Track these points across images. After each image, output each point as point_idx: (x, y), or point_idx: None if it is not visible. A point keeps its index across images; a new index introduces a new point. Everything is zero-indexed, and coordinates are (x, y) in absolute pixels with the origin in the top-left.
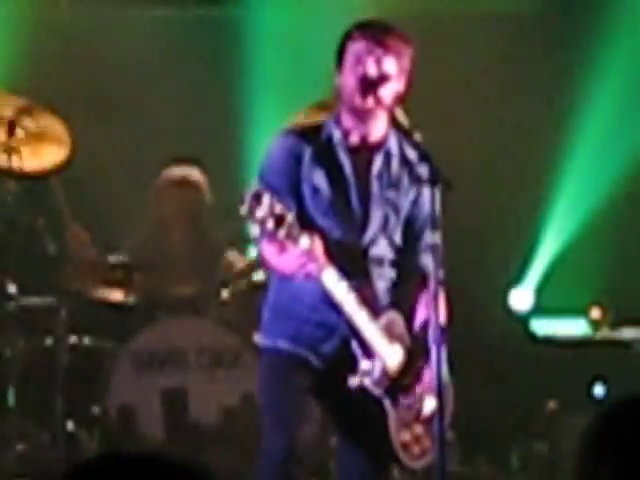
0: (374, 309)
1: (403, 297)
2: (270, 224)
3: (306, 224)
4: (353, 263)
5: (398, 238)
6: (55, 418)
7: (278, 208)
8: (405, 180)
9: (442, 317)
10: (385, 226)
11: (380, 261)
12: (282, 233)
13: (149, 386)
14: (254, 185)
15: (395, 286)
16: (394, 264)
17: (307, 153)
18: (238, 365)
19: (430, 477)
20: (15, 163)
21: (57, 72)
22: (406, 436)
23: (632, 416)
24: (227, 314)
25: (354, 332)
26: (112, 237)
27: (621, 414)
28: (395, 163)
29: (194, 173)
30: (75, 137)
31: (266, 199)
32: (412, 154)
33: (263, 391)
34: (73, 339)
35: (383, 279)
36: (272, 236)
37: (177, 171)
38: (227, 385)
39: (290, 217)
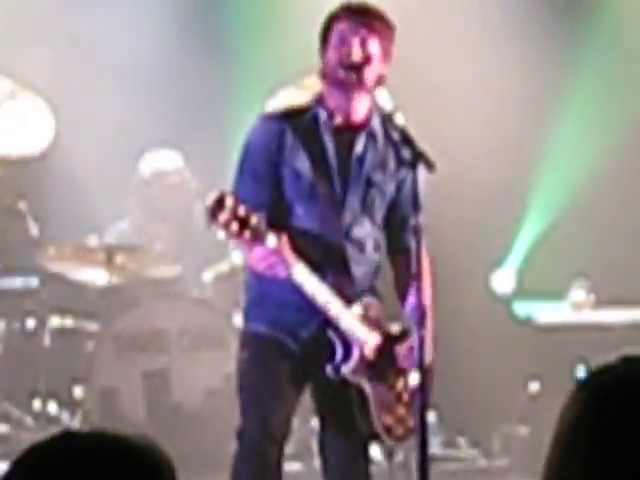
0: (349, 296)
1: (397, 280)
2: (234, 227)
3: (284, 210)
4: (329, 251)
5: (381, 219)
6: (37, 399)
7: (241, 210)
8: (391, 162)
9: (426, 298)
10: (371, 208)
11: (361, 245)
12: (247, 235)
13: (131, 368)
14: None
15: (378, 270)
16: (378, 247)
17: (289, 136)
18: (220, 347)
19: (411, 459)
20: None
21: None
22: (388, 419)
23: (611, 391)
24: (209, 296)
25: (329, 321)
26: (95, 219)
27: (595, 393)
28: (380, 144)
29: (178, 162)
30: (59, 120)
31: (229, 201)
32: (396, 135)
33: (241, 374)
34: (55, 321)
35: (363, 264)
36: (238, 238)
37: (161, 162)
38: (209, 367)
39: (254, 218)
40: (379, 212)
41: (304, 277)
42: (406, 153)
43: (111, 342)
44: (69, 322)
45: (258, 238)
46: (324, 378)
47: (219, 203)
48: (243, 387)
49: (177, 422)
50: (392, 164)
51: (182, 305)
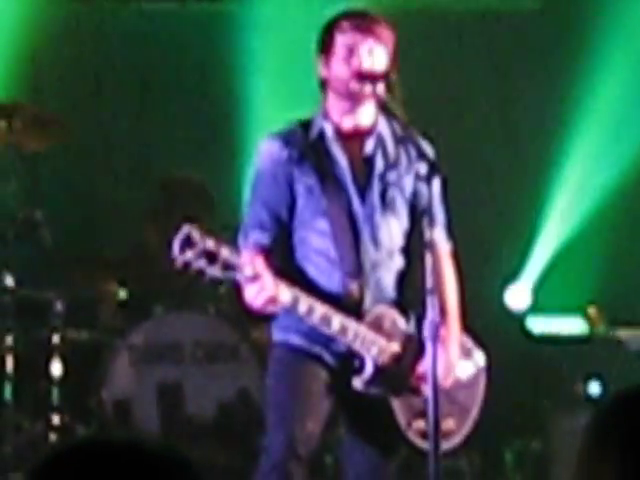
0: (360, 308)
1: (417, 284)
2: (202, 263)
3: (304, 227)
4: (348, 263)
5: (405, 220)
6: (51, 411)
7: (210, 243)
8: (404, 159)
9: (436, 314)
10: (392, 206)
11: (390, 250)
12: (217, 269)
13: (145, 380)
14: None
15: (404, 275)
16: (403, 250)
17: (296, 155)
18: (235, 360)
19: (423, 471)
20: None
21: (55, 75)
22: (420, 423)
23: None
24: (224, 308)
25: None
26: (110, 233)
27: (626, 409)
28: (390, 143)
29: (198, 178)
30: (76, 139)
31: (195, 236)
32: (402, 132)
33: (272, 388)
34: (70, 332)
35: (392, 271)
36: (209, 271)
37: (182, 176)
38: (223, 380)
39: (224, 250)
40: (403, 212)
41: (294, 298)
42: (422, 168)
43: (126, 354)
44: (84, 334)
45: (231, 269)
46: (350, 391)
47: (187, 241)
48: (273, 401)
49: (190, 434)
50: (404, 160)
51: (197, 317)
